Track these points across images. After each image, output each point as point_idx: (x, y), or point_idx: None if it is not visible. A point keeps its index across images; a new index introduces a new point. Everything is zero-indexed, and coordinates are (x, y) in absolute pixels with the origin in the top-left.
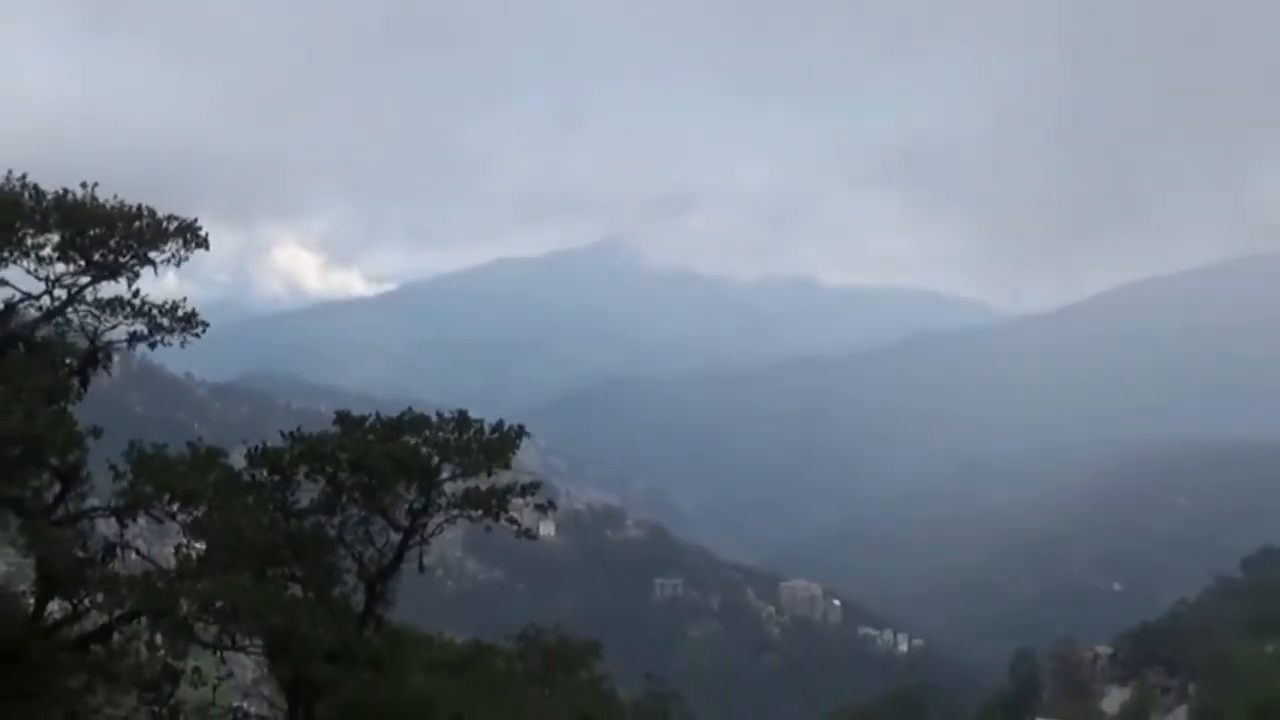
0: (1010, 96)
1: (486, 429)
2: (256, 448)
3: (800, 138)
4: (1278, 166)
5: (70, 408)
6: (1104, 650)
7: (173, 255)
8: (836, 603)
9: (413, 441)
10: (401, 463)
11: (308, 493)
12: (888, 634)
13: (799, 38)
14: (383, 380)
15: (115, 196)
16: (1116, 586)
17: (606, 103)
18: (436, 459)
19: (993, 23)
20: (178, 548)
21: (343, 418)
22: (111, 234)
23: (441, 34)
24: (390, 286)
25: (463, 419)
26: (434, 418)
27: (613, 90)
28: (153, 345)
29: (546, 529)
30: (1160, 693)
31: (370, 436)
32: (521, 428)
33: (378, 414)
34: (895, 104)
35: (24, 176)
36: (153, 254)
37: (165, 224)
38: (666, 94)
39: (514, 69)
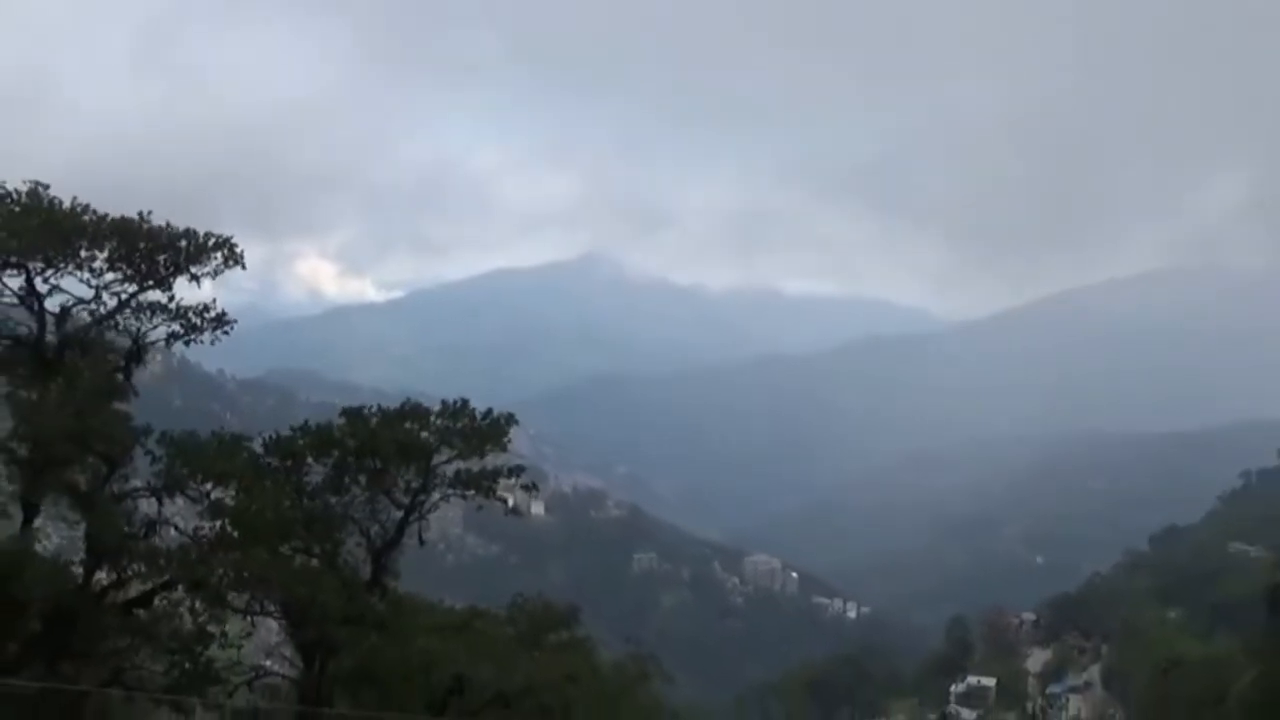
0: (961, 119)
1: (478, 416)
2: (272, 437)
3: (767, 157)
4: (1211, 186)
5: (122, 405)
6: (1028, 616)
7: (212, 270)
8: (794, 575)
9: (413, 428)
10: (403, 446)
11: (320, 475)
12: (838, 603)
13: (766, 65)
14: (390, 377)
15: (166, 222)
16: (1039, 560)
17: (594, 126)
18: (435, 442)
19: (947, 49)
20: (208, 525)
21: (349, 413)
22: (160, 250)
23: (449, 67)
24: (399, 294)
25: (460, 407)
26: (434, 407)
27: (598, 115)
28: (187, 343)
29: (537, 509)
30: (1077, 653)
31: (374, 424)
32: (511, 415)
33: (379, 405)
34: (854, 125)
35: (87, 205)
36: (195, 269)
37: (206, 242)
38: (646, 117)
39: (511, 97)
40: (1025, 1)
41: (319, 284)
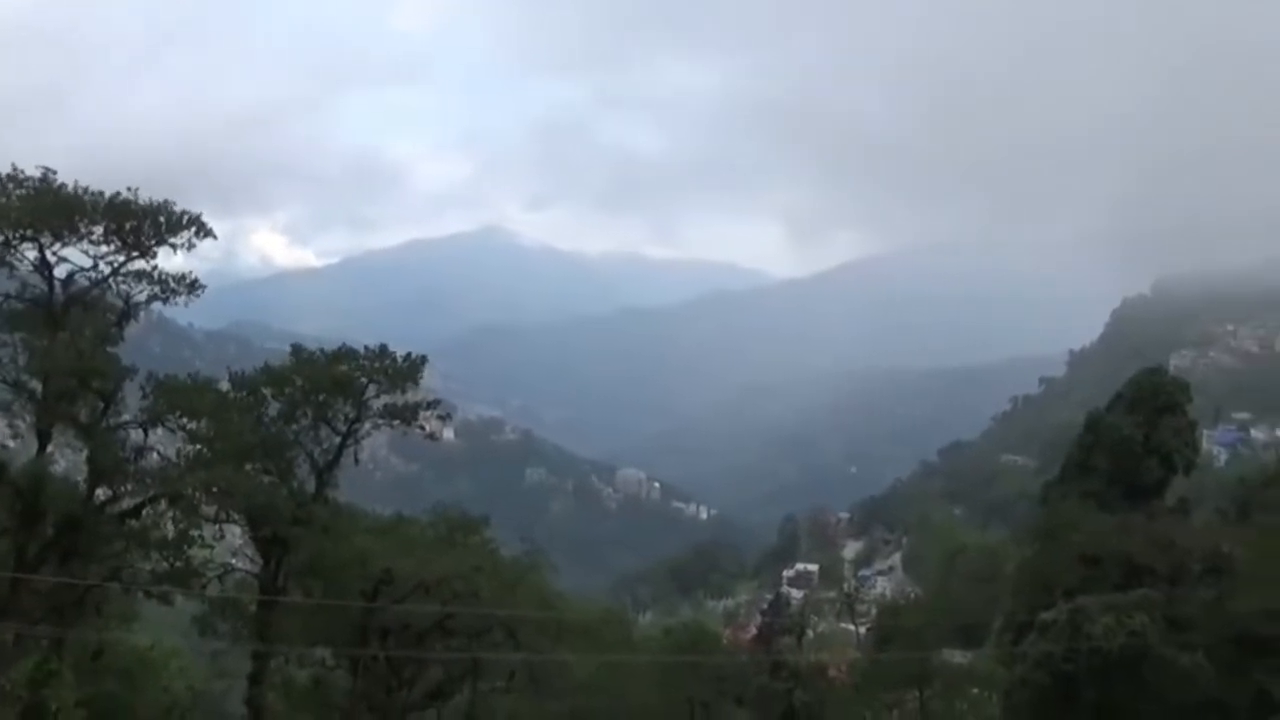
0: (791, 97)
1: (399, 358)
2: (238, 373)
3: (635, 143)
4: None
5: (114, 350)
6: (844, 515)
7: (186, 241)
8: (656, 485)
9: (347, 369)
10: (340, 384)
11: (275, 409)
12: (693, 507)
13: (635, 54)
14: (329, 329)
15: (149, 198)
16: (853, 470)
17: (495, 117)
18: (365, 380)
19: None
20: (185, 450)
21: (296, 351)
22: (145, 225)
23: (379, 75)
24: (335, 260)
25: (382, 350)
26: (362, 350)
27: (497, 106)
28: (165, 302)
29: (448, 434)
30: (883, 544)
31: (317, 365)
32: (424, 357)
33: (322, 349)
34: (700, 115)
35: (87, 187)
36: (172, 240)
37: (182, 218)
38: (530, 108)
39: (429, 96)
40: None
41: (270, 253)
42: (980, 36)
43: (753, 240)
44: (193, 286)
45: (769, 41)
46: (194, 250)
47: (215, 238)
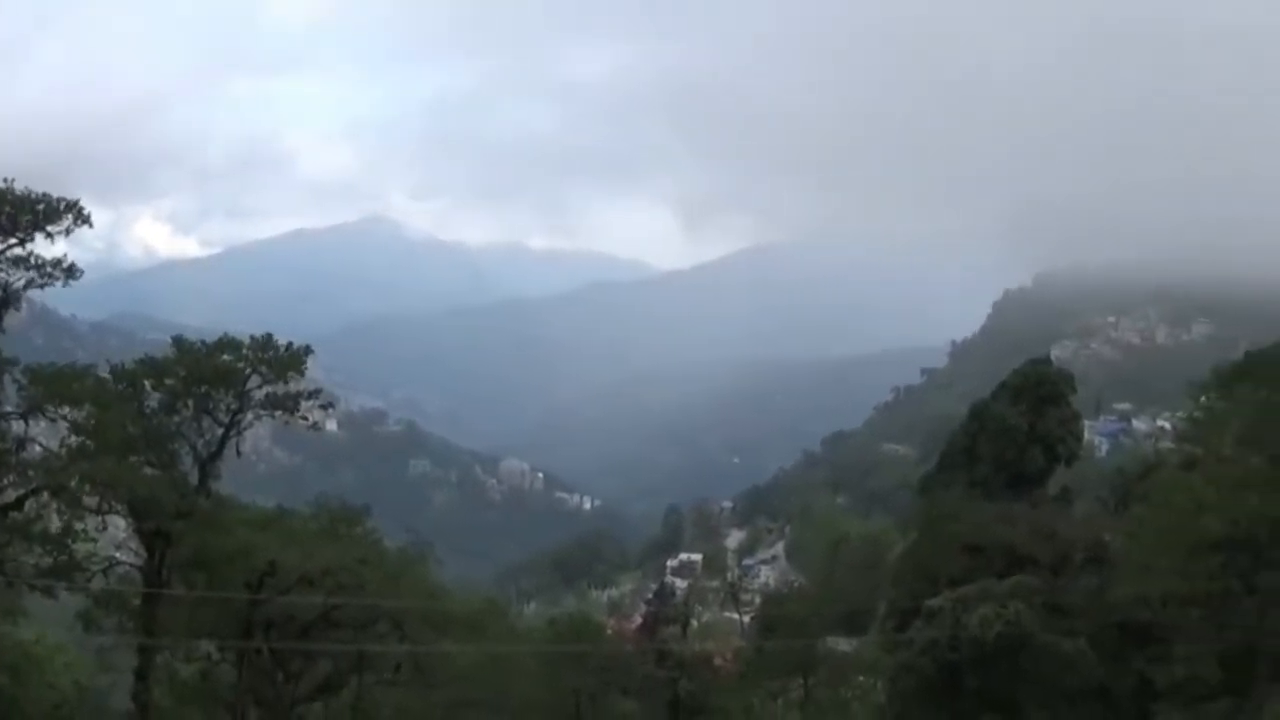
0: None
1: (282, 348)
2: (117, 367)
3: (527, 131)
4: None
5: None
6: (727, 505)
7: (65, 229)
8: (540, 476)
9: (229, 359)
10: (222, 374)
11: (156, 400)
12: (576, 497)
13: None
14: (212, 319)
15: (26, 187)
16: (736, 460)
17: (383, 105)
18: (248, 371)
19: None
20: (65, 440)
21: (177, 342)
22: (22, 212)
23: (264, 62)
24: (218, 250)
25: (265, 340)
26: (245, 340)
27: (385, 94)
28: (42, 287)
29: (331, 425)
30: (766, 533)
31: (198, 356)
32: (307, 347)
33: (204, 340)
34: (588, 103)
35: None
36: (51, 227)
37: (59, 205)
38: (410, 97)
39: (318, 88)
40: None
41: (154, 243)
42: (878, 25)
43: (644, 230)
44: (70, 271)
45: (667, 26)
46: (77, 241)
47: (92, 225)
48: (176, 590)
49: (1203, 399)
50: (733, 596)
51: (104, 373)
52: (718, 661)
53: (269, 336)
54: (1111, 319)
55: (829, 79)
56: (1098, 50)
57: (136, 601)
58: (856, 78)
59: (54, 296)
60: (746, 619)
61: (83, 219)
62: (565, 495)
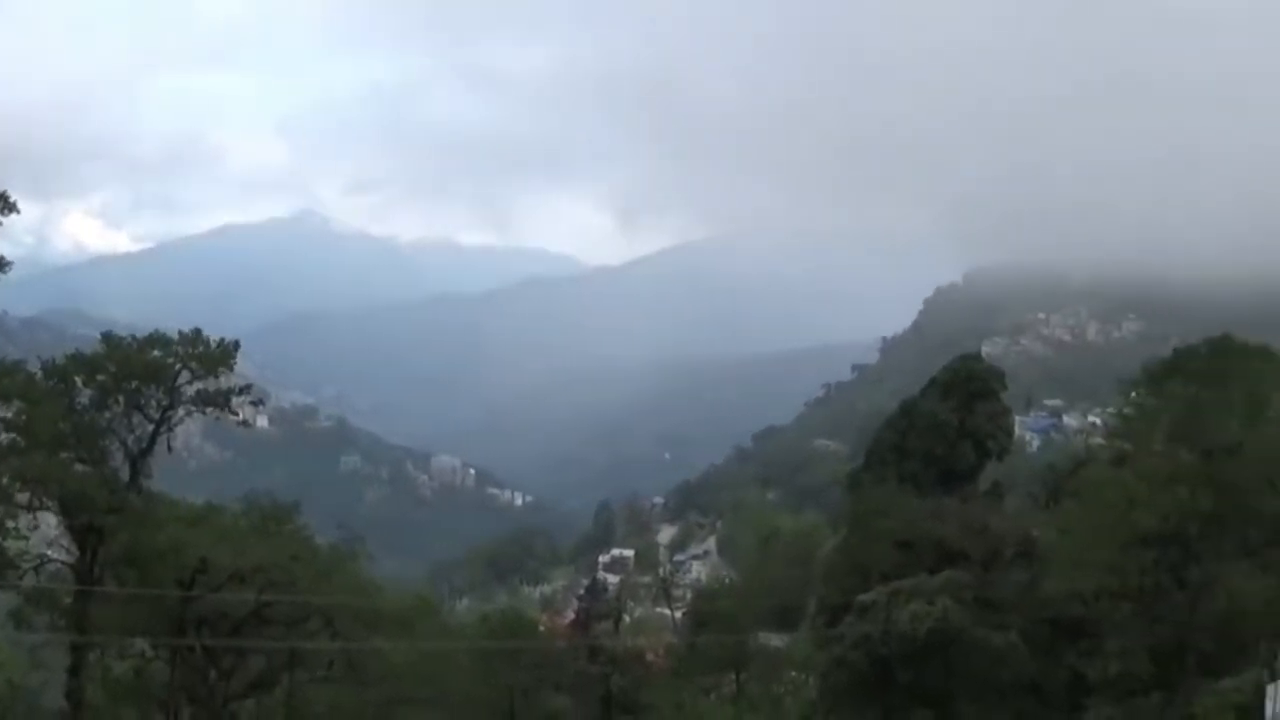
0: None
1: (212, 344)
2: (48, 363)
3: (461, 125)
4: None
5: None
6: (658, 501)
7: None
8: (471, 472)
9: (160, 355)
10: (152, 370)
11: (87, 396)
12: (508, 493)
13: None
14: (142, 314)
15: None
16: (667, 456)
17: (315, 99)
18: (178, 366)
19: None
20: None
21: (107, 338)
22: None
23: (195, 55)
24: (149, 245)
25: (195, 336)
26: (175, 336)
27: (317, 88)
28: None
29: (262, 421)
30: (697, 528)
31: (129, 351)
32: (236, 342)
33: (134, 335)
34: (534, 94)
35: None
36: None
37: None
38: (351, 90)
39: (250, 82)
40: None
41: (84, 237)
42: (810, 19)
43: (576, 225)
44: None
45: (599, 20)
46: (6, 235)
47: (19, 213)
48: (109, 587)
49: (1133, 395)
50: (664, 592)
51: (34, 368)
52: (650, 657)
53: (198, 332)
54: (1042, 315)
55: (762, 73)
56: (1029, 46)
57: (69, 599)
58: (791, 75)
59: None
60: (678, 614)
61: (9, 207)
62: (497, 491)
